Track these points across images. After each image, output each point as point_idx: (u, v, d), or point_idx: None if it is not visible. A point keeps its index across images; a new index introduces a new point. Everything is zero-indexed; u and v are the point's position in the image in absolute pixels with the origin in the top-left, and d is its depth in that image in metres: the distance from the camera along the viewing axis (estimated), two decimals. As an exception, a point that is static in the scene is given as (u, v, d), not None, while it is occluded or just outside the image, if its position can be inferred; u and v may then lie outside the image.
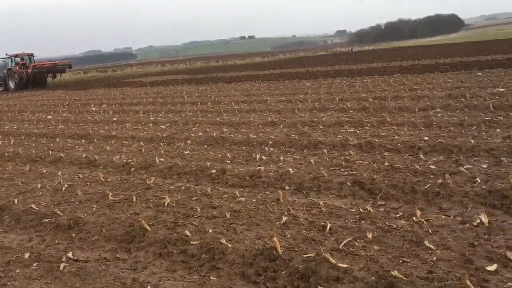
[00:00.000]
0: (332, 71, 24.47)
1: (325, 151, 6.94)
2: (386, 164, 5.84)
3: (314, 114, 10.47)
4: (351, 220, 4.21)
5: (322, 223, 4.14)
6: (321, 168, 5.98)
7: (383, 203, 4.61)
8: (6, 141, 10.66)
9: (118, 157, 7.74)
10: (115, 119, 12.72)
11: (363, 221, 4.15)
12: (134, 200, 5.36)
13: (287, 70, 29.62)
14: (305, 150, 7.19)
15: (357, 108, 10.58)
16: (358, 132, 8.07)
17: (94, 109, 15.99)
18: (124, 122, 12.08)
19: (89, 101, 19.27)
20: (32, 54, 35.89)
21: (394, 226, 3.97)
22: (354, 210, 4.48)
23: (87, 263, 3.84)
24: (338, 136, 7.87)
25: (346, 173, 5.65)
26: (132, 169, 6.94)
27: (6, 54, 34.46)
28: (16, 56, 34.72)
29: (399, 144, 6.75)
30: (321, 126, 8.93)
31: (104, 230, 4.48)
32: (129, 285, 3.41)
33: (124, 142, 9.29)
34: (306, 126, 9.13)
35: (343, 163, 6.12)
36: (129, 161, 7.32)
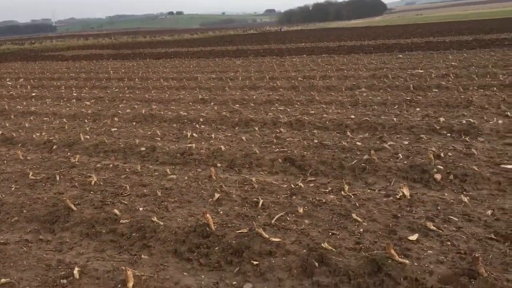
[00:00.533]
0: (262, 50, 24.56)
1: (256, 128, 6.98)
2: (316, 141, 5.99)
3: (245, 92, 10.48)
4: (283, 196, 4.28)
5: (255, 199, 4.18)
6: (253, 145, 6.01)
7: (313, 178, 4.74)
8: None
9: (38, 134, 7.29)
10: (34, 94, 11.96)
11: (294, 197, 4.24)
12: (58, 179, 5.09)
13: (217, 48, 29.32)
14: (236, 128, 7.19)
15: (287, 87, 10.72)
16: (288, 110, 8.20)
17: (10, 83, 14.91)
18: (44, 97, 11.40)
19: (4, 75, 17.93)
20: None
21: (324, 200, 4.09)
22: (285, 186, 4.56)
23: (7, 246, 3.61)
24: (269, 114, 7.94)
25: (277, 150, 5.72)
26: (55, 147, 6.57)
27: None
28: None
29: (327, 122, 6.94)
30: (252, 104, 8.96)
31: (24, 211, 4.22)
32: (54, 267, 3.24)
33: (45, 118, 8.77)
34: (237, 104, 9.12)
35: (274, 140, 6.19)
36: (50, 138, 6.92)
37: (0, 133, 7.45)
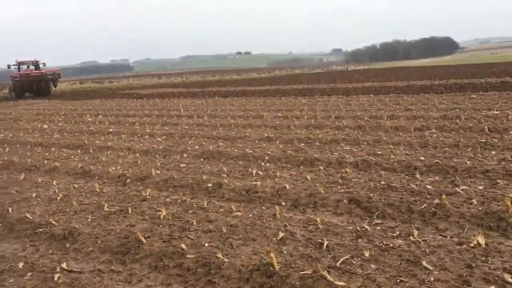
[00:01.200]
0: (328, 89, 24.64)
1: (322, 168, 6.95)
2: (383, 182, 5.86)
3: (310, 131, 10.51)
4: (348, 238, 4.20)
5: (319, 240, 4.14)
6: (318, 184, 5.98)
7: (379, 221, 4.62)
8: (0, 149, 10.59)
9: (113, 168, 7.71)
10: (111, 130, 12.70)
11: (360, 239, 4.15)
12: (130, 211, 5.33)
13: (283, 87, 29.79)
14: (301, 167, 7.20)
15: (353, 126, 10.64)
16: (354, 150, 8.11)
17: (90, 119, 15.96)
18: (120, 133, 12.07)
19: (85, 111, 19.25)
20: (36, 62, 34.62)
21: (391, 245, 3.97)
22: (351, 228, 4.48)
23: (82, 275, 3.81)
24: (335, 153, 7.90)
25: (343, 190, 5.66)
26: (128, 180, 6.91)
27: (16, 61, 33.85)
28: (22, 63, 33.99)
29: (395, 163, 6.78)
30: (317, 143, 8.96)
31: (99, 241, 4.44)
32: (124, 298, 3.37)
33: (120, 153, 9.27)
34: (302, 142, 9.16)
35: (340, 181, 6.13)
36: (124, 172, 7.29)
37: (80, 166, 7.96)
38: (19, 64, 33.95)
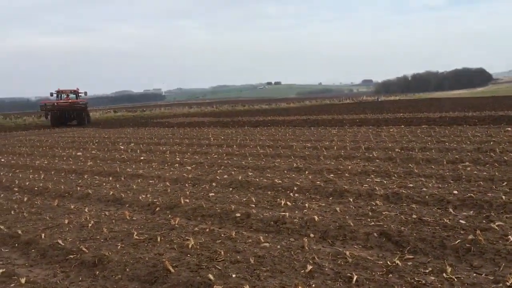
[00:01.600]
0: (358, 120, 24.52)
1: (351, 199, 6.86)
2: (414, 216, 5.73)
3: (340, 162, 10.43)
4: (378, 273, 4.10)
5: (348, 274, 4.05)
6: (347, 217, 5.90)
7: (411, 256, 4.50)
8: (36, 175, 10.92)
9: (144, 196, 7.81)
10: (142, 158, 12.93)
11: (390, 275, 4.04)
12: (159, 240, 5.37)
13: (312, 117, 29.83)
14: (330, 198, 7.13)
15: (384, 158, 10.51)
16: (385, 182, 7.98)
17: (122, 147, 16.31)
18: (151, 161, 12.26)
19: (118, 139, 19.70)
20: (74, 91, 35.55)
21: (423, 281, 3.85)
22: (381, 262, 4.37)
23: (110, 302, 3.83)
24: (364, 185, 7.79)
25: (373, 223, 5.55)
26: (157, 208, 6.99)
27: (56, 91, 35.18)
28: (61, 92, 35.08)
29: (427, 197, 6.63)
30: (347, 174, 8.87)
31: (127, 269, 4.48)
32: (150, 328, 3.36)
33: (150, 181, 9.40)
34: (332, 173, 9.09)
35: (370, 213, 6.03)
36: (154, 200, 7.38)
37: (111, 193, 8.11)
38: (58, 93, 35.06)
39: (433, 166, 9.19)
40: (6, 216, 7.01)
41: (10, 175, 11.19)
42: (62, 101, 34.33)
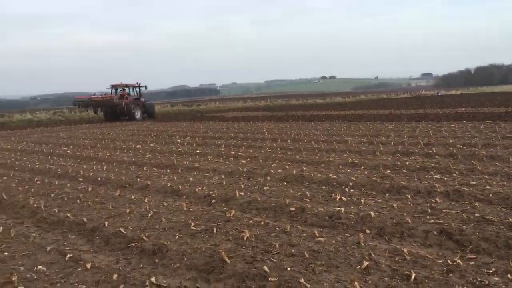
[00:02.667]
0: (417, 115, 23.75)
1: (409, 196, 6.68)
2: (477, 215, 5.50)
3: (397, 158, 10.17)
4: (438, 272, 3.98)
5: (406, 272, 3.96)
6: (405, 214, 5.76)
7: (473, 256, 4.33)
8: (99, 166, 11.44)
9: (200, 188, 7.99)
10: (198, 151, 13.21)
11: (451, 274, 3.91)
12: (215, 231, 5.49)
13: (368, 112, 29.22)
14: (387, 194, 6.98)
15: (444, 154, 10.14)
16: (445, 179, 7.70)
17: (179, 141, 16.74)
18: (207, 154, 12.50)
19: (174, 133, 20.23)
20: (127, 85, 35.02)
21: (487, 282, 3.70)
22: (441, 261, 4.24)
23: (169, 290, 3.96)
24: (423, 182, 7.56)
25: (432, 221, 5.38)
26: (213, 201, 7.13)
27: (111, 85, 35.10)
28: (115, 86, 34.69)
29: (491, 195, 6.34)
30: (404, 170, 8.64)
31: (185, 259, 4.61)
32: (207, 316, 3.45)
33: (206, 174, 9.59)
34: (389, 169, 8.88)
35: (429, 211, 5.85)
36: (210, 193, 7.53)
37: (169, 185, 8.36)
38: (113, 87, 34.60)
39: (497, 164, 8.75)
40: (72, 204, 7.41)
41: (75, 166, 11.80)
42: (95, 96, 33.69)
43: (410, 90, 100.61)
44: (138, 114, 33.92)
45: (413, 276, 3.83)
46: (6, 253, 5.14)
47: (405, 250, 4.47)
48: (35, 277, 4.36)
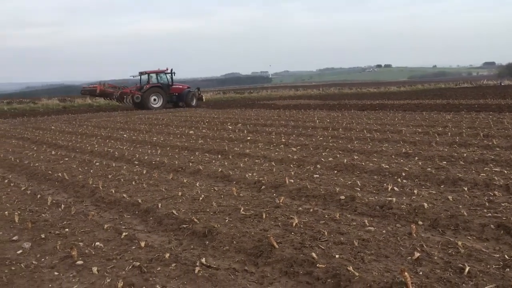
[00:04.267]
0: (477, 105, 22.71)
1: (465, 188, 6.44)
2: (539, 210, 5.22)
3: (454, 149, 9.80)
4: (494, 266, 3.83)
5: (460, 265, 3.84)
6: (460, 206, 5.56)
7: (533, 252, 4.12)
8: (154, 151, 11.81)
9: (250, 174, 8.07)
10: (249, 138, 13.32)
11: (508, 269, 3.75)
12: (264, 217, 5.54)
13: (425, 101, 28.25)
14: (442, 186, 6.76)
15: (505, 146, 9.65)
16: (506, 172, 7.35)
17: (230, 127, 16.94)
18: (257, 141, 12.58)
19: (226, 120, 20.48)
20: (153, 72, 33.01)
21: (547, 280, 3.52)
22: (497, 255, 4.07)
23: (218, 271, 4.06)
24: (481, 174, 7.25)
25: (490, 214, 5.17)
26: (263, 187, 7.18)
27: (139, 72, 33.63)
28: (143, 73, 33.09)
29: (555, 190, 5.99)
30: (461, 162, 8.32)
31: (235, 242, 4.70)
32: (255, 298, 3.51)
33: (256, 160, 9.67)
34: (444, 160, 8.58)
35: (486, 204, 5.62)
36: (260, 179, 7.59)
37: (220, 170, 8.50)
38: (141, 74, 33.17)
39: None
40: (128, 186, 7.71)
41: (131, 149, 12.24)
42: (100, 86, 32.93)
43: (470, 79, 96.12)
44: (158, 103, 32.14)
45: (467, 269, 3.71)
46: (67, 229, 5.44)
47: (459, 243, 4.33)
48: (93, 252, 4.59)
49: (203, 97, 35.81)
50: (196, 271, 3.97)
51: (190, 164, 9.46)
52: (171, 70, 33.13)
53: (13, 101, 44.88)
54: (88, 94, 35.50)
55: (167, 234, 5.25)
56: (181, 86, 34.39)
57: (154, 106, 32.08)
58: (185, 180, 7.92)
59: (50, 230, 5.42)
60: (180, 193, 6.90)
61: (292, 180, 7.37)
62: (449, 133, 12.15)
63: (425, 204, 5.54)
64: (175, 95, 33.38)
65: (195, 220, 5.41)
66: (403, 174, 7.52)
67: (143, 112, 28.97)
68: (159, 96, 32.44)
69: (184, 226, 5.32)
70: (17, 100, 46.23)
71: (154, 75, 33.40)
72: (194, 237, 5.03)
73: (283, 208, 5.97)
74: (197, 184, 7.59)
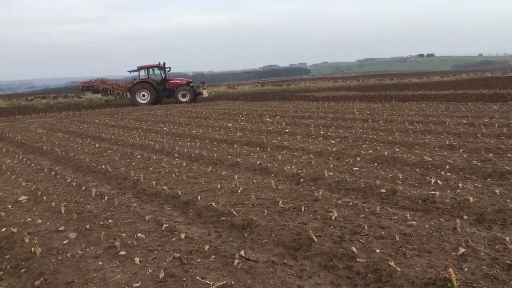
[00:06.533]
0: (526, 94, 21.71)
1: (514, 182, 6.17)
2: None
3: (502, 141, 9.41)
4: (545, 264, 3.65)
5: (508, 262, 3.68)
6: (508, 200, 5.34)
7: None
8: (193, 143, 11.95)
9: (288, 167, 8.04)
10: (287, 130, 13.25)
11: (560, 268, 3.57)
12: (302, 210, 5.50)
13: (470, 91, 27.28)
14: (488, 179, 6.51)
15: (557, 138, 9.18)
16: (558, 164, 7.00)
17: (268, 120, 16.91)
18: (295, 134, 12.50)
19: (264, 112, 20.46)
20: (148, 67, 32.68)
21: None
22: (549, 253, 3.88)
23: (257, 264, 4.07)
24: (531, 167, 6.93)
25: (540, 210, 4.93)
26: (301, 180, 7.14)
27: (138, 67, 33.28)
28: (142, 68, 32.68)
29: None
30: (509, 154, 7.98)
31: (273, 235, 4.69)
32: (294, 291, 3.50)
33: (295, 153, 9.61)
34: (491, 152, 8.25)
35: (537, 198, 5.36)
36: (298, 171, 7.54)
37: (258, 163, 8.50)
38: (140, 68, 32.81)
39: None
40: (168, 178, 7.84)
41: (171, 142, 12.43)
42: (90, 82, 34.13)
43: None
44: (145, 99, 31.99)
45: (515, 267, 3.56)
46: (110, 220, 5.60)
47: (507, 239, 4.15)
48: (135, 243, 4.70)
49: (204, 92, 33.79)
50: (235, 263, 3.99)
51: (229, 156, 9.51)
52: (164, 64, 32.84)
53: (58, 96, 46.61)
54: (86, 90, 36.04)
55: (207, 226, 5.30)
56: (179, 81, 33.74)
57: (142, 102, 31.91)
58: (223, 173, 7.98)
59: (94, 221, 5.59)
60: (219, 186, 6.95)
61: (331, 173, 7.29)
62: (496, 124, 11.68)
63: (471, 198, 5.35)
64: (173, 89, 32.88)
65: (234, 212, 5.44)
66: (447, 167, 7.29)
67: (182, 105, 29.37)
68: (147, 91, 32.14)
69: (223, 218, 5.36)
70: (63, 95, 48.00)
71: (151, 70, 33.08)
72: (233, 229, 5.06)
73: (322, 201, 5.91)
74: (236, 177, 7.62)
